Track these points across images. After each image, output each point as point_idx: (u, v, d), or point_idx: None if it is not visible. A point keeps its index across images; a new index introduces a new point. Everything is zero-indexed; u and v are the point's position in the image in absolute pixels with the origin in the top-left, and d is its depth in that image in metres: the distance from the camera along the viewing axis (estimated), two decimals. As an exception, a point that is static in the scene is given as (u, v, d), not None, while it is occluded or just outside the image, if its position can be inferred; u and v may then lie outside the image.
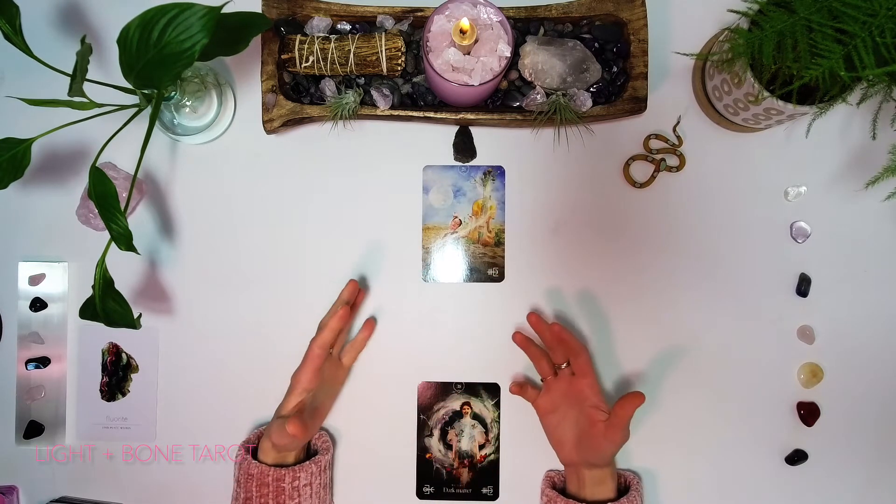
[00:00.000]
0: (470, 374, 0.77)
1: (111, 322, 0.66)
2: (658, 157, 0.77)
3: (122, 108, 0.68)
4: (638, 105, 0.72)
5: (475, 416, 0.77)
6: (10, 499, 0.77)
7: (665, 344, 0.77)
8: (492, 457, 0.77)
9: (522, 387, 0.74)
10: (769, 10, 0.61)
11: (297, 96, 0.75)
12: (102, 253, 0.65)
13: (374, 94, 0.72)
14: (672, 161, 0.77)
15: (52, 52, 0.70)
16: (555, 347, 0.71)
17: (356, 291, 0.74)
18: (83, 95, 0.63)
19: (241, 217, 0.78)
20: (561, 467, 0.75)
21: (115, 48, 0.61)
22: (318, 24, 0.73)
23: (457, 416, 0.77)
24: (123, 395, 0.78)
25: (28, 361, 0.77)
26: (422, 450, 0.77)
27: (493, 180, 0.78)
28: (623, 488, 0.72)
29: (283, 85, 0.74)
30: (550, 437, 0.72)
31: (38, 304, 0.77)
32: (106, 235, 0.65)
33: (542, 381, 0.74)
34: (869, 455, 0.76)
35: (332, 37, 0.73)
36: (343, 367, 0.76)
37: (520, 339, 0.74)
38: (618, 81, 0.74)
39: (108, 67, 0.78)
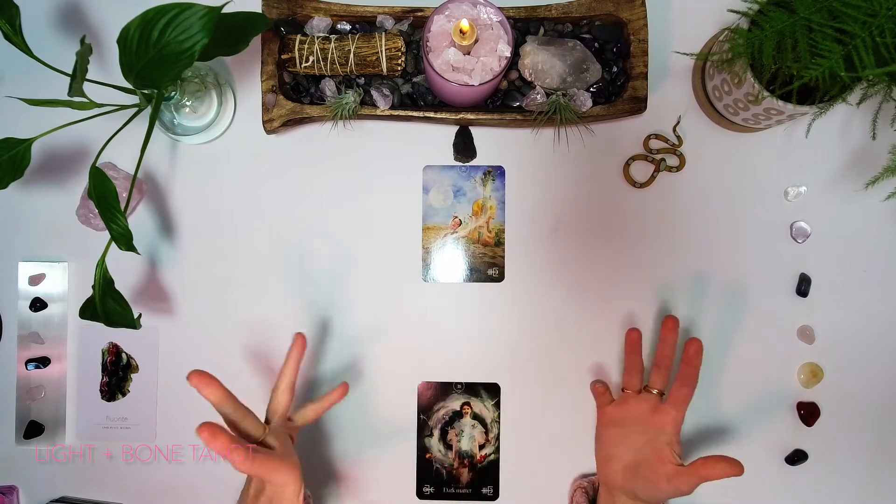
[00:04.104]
0: (470, 374, 0.77)
1: (111, 322, 0.66)
2: (658, 157, 0.77)
3: (122, 108, 0.68)
4: (638, 105, 0.72)
5: (475, 416, 0.77)
6: (10, 499, 0.77)
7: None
8: (492, 457, 0.77)
9: (605, 389, 0.71)
10: (769, 10, 0.61)
11: (297, 96, 0.75)
12: (102, 253, 0.66)
13: (374, 94, 0.72)
14: (672, 161, 0.77)
15: (52, 52, 0.71)
16: (664, 366, 0.67)
17: (304, 346, 0.66)
18: (83, 95, 0.63)
19: (241, 217, 0.78)
20: (585, 472, 0.74)
21: (115, 48, 0.61)
22: (318, 24, 0.73)
23: (457, 416, 0.77)
24: (123, 395, 0.78)
25: (28, 361, 0.77)
26: (422, 450, 0.77)
27: (493, 180, 0.78)
28: None
29: (283, 85, 0.74)
30: (601, 448, 0.70)
31: (38, 304, 0.77)
32: (106, 235, 0.65)
33: (622, 391, 0.70)
34: (869, 455, 0.76)
35: (332, 37, 0.73)
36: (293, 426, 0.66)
37: (635, 337, 0.69)
38: (618, 81, 0.74)
39: (108, 67, 0.78)
